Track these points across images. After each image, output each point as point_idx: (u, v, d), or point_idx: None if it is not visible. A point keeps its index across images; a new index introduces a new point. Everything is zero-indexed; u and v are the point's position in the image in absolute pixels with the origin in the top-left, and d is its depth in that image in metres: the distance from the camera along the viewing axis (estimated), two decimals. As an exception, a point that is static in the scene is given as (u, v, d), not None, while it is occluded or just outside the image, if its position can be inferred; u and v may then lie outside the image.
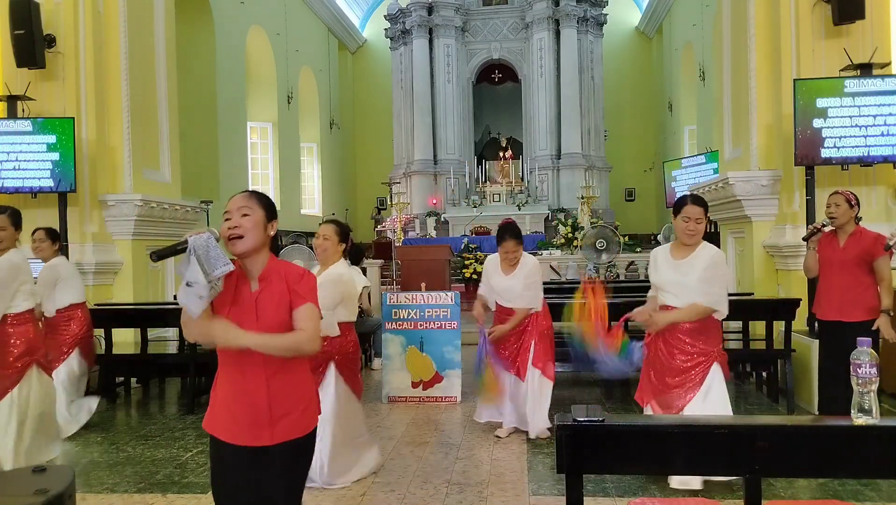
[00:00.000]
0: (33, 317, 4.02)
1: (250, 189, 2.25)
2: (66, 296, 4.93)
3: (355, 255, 4.78)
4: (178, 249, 1.87)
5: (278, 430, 2.04)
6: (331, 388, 3.74)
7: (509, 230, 4.55)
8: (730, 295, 3.56)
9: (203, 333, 1.95)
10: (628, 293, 6.84)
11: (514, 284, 4.51)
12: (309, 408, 2.13)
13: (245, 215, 2.02)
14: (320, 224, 3.97)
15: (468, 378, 6.22)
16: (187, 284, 1.86)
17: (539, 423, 4.47)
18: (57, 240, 4.93)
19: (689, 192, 4.12)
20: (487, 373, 4.61)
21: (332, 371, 3.77)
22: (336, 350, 3.78)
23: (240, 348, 1.97)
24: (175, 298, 7.30)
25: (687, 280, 3.38)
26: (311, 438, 2.13)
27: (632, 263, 11.57)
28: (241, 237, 2.00)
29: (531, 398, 4.47)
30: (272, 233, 2.10)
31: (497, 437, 4.59)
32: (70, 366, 4.95)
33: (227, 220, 2.03)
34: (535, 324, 4.55)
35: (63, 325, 4.96)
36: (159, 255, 1.90)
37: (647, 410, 3.57)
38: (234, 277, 2.00)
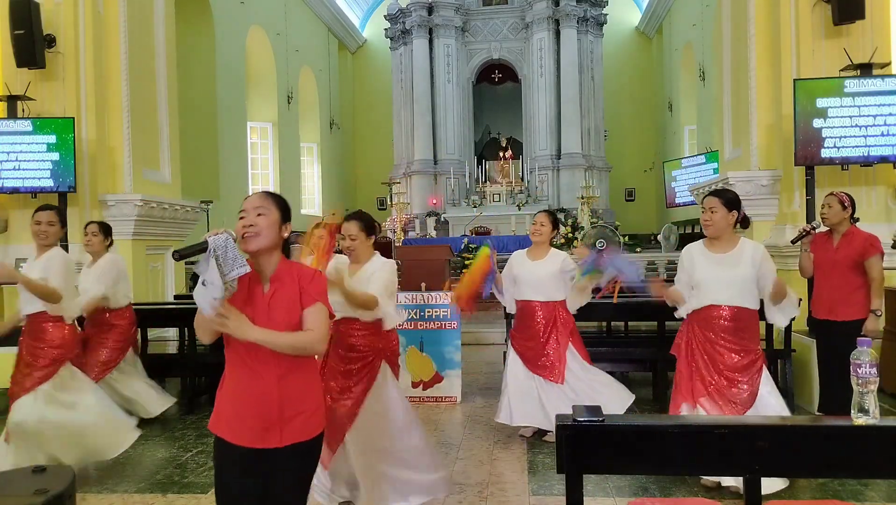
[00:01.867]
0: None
1: (267, 190, 2.25)
2: (122, 295, 4.92)
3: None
4: (198, 249, 1.88)
5: (288, 432, 2.03)
6: (392, 390, 3.31)
7: (546, 211, 4.58)
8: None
9: (217, 324, 1.93)
10: (628, 293, 6.86)
11: (545, 269, 4.31)
12: (318, 411, 2.12)
13: (260, 215, 2.03)
14: (342, 223, 3.45)
15: (468, 378, 6.22)
16: (203, 284, 1.87)
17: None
18: (109, 235, 4.90)
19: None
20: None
21: (386, 369, 3.32)
22: (387, 346, 3.34)
23: (249, 343, 1.96)
24: (175, 298, 7.32)
25: (733, 275, 3.32)
26: (318, 441, 2.12)
27: (632, 263, 11.56)
28: (255, 235, 2.01)
29: (567, 397, 4.23)
30: (286, 235, 2.11)
31: (521, 436, 4.53)
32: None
33: (241, 217, 2.04)
34: (564, 320, 4.37)
35: (118, 321, 4.89)
36: (181, 254, 1.90)
37: (685, 410, 3.42)
38: (247, 278, 2.01)
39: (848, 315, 4.07)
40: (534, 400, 4.33)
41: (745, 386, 3.37)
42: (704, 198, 3.44)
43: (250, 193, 13.62)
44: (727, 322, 3.35)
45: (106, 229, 4.91)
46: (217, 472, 2.10)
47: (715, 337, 3.38)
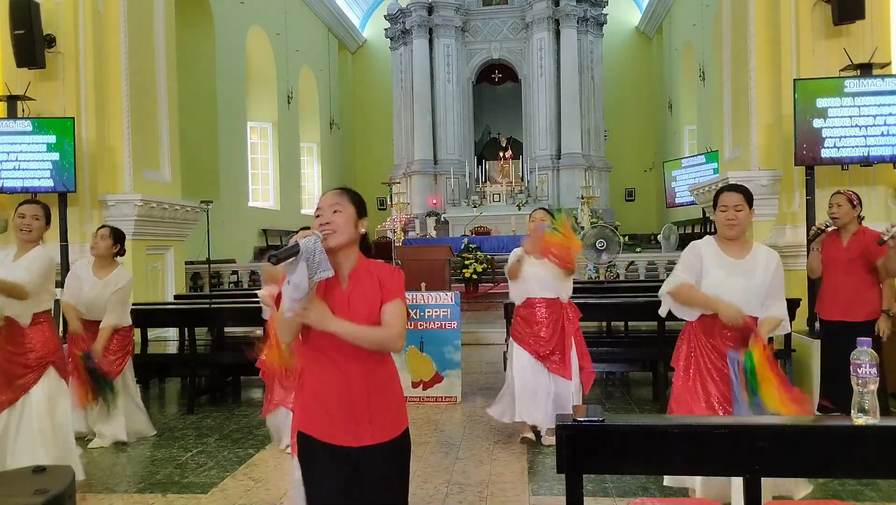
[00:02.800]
0: (51, 317, 3.74)
1: (342, 186, 2.23)
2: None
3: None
4: (293, 252, 1.85)
5: (379, 428, 2.01)
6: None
7: (543, 208, 4.59)
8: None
9: (299, 315, 1.91)
10: (628, 293, 6.87)
11: (550, 266, 4.28)
12: (403, 406, 2.13)
13: (336, 212, 2.03)
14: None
15: (468, 378, 6.22)
16: (288, 283, 1.85)
17: None
18: (119, 242, 4.61)
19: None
20: None
21: None
22: None
23: (334, 339, 1.95)
24: (175, 297, 7.32)
25: (752, 285, 2.96)
26: (408, 435, 2.11)
27: (632, 263, 11.56)
28: (333, 233, 2.00)
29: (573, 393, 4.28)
30: (363, 231, 2.10)
31: (524, 439, 4.47)
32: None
33: (317, 216, 2.04)
34: (571, 319, 4.39)
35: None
36: (278, 258, 1.84)
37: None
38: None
39: (864, 315, 4.03)
40: (539, 397, 4.32)
41: None
42: (722, 194, 3.01)
43: (250, 192, 13.43)
44: (734, 332, 2.99)
45: (118, 236, 4.62)
46: (309, 473, 2.03)
47: (721, 345, 3.03)
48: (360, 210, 2.10)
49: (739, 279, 2.96)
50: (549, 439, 4.37)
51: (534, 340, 4.35)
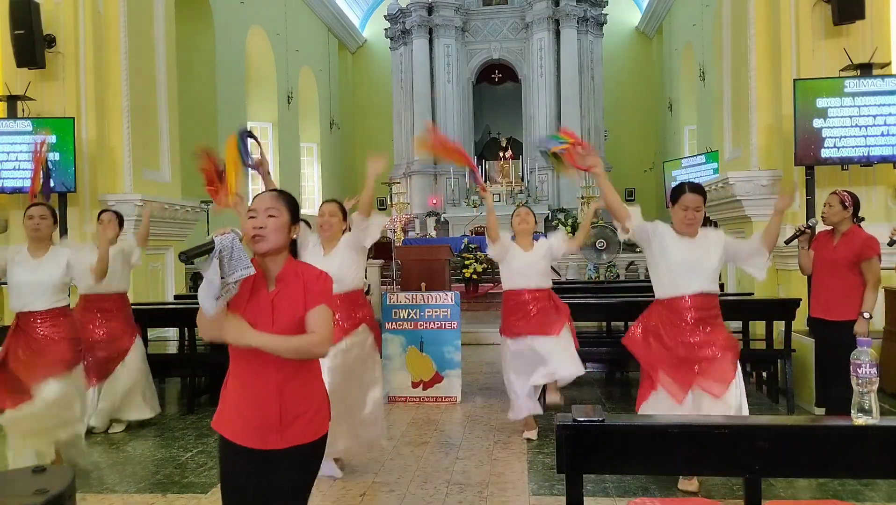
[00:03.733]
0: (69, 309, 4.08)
1: (278, 189, 2.22)
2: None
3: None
4: (206, 249, 1.85)
5: (288, 434, 2.01)
6: (368, 337, 3.98)
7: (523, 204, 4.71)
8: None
9: (216, 331, 1.94)
10: (628, 293, 6.86)
11: (536, 256, 4.47)
12: (320, 412, 2.10)
13: (271, 217, 2.01)
14: (322, 204, 4.02)
15: (468, 378, 6.22)
16: (204, 282, 1.85)
17: (571, 368, 4.34)
18: (122, 225, 4.87)
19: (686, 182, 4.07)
20: None
21: (364, 328, 3.96)
22: (368, 314, 4.02)
23: (251, 349, 1.95)
24: (175, 298, 7.32)
25: (708, 257, 3.33)
26: (321, 443, 2.10)
27: (632, 263, 11.57)
28: (265, 238, 1.99)
29: (562, 345, 4.37)
30: (294, 236, 2.10)
31: (528, 439, 4.51)
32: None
33: (251, 217, 2.01)
34: (559, 306, 4.50)
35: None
36: (188, 255, 1.86)
37: (656, 399, 3.39)
38: (251, 278, 1.99)
39: (842, 315, 4.09)
40: (537, 364, 4.37)
41: (716, 364, 3.31)
42: (685, 194, 3.33)
43: (250, 192, 13.48)
44: (691, 313, 3.34)
45: (121, 219, 4.87)
46: (222, 469, 2.10)
47: (682, 324, 3.35)
48: (294, 216, 2.09)
49: (697, 251, 3.35)
50: (553, 397, 4.43)
51: (524, 322, 4.40)
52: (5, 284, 3.89)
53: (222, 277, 1.86)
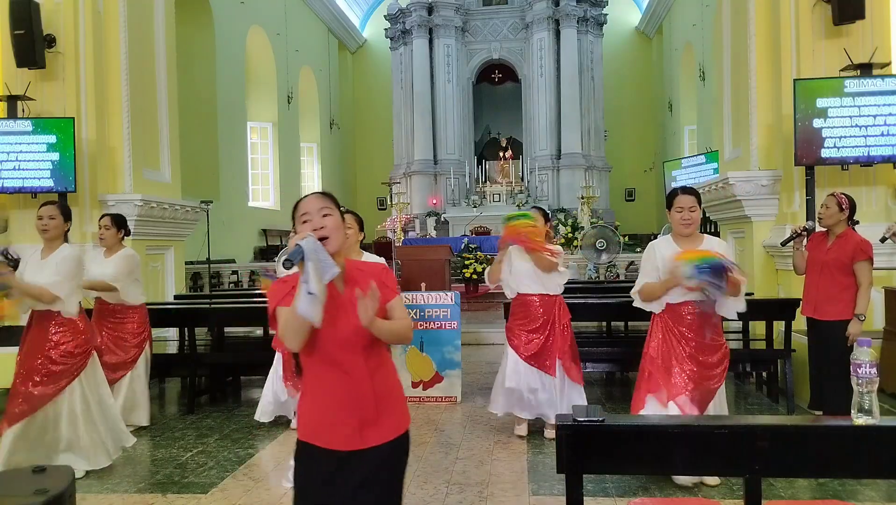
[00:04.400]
0: (82, 308, 4.04)
1: (323, 191, 2.19)
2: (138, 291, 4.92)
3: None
4: (300, 254, 1.78)
5: (384, 427, 1.99)
6: None
7: (536, 206, 4.72)
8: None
9: (304, 335, 1.86)
10: (628, 293, 6.85)
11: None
12: (404, 403, 2.11)
13: (326, 216, 1.97)
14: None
15: (468, 378, 6.22)
16: (309, 294, 1.76)
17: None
18: (122, 228, 4.82)
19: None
20: None
21: None
22: None
23: (339, 343, 1.93)
24: (175, 297, 7.32)
25: None
26: (408, 435, 2.09)
27: (632, 262, 11.56)
28: (326, 238, 1.94)
29: (556, 393, 4.37)
30: (349, 233, 2.10)
31: (519, 436, 4.54)
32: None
33: (305, 221, 1.97)
34: (560, 314, 4.47)
35: (130, 318, 4.92)
36: (292, 262, 1.78)
37: (653, 408, 3.46)
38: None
39: (831, 315, 4.15)
40: (527, 396, 4.42)
41: (718, 371, 3.47)
42: (678, 196, 3.44)
43: (250, 192, 13.39)
44: (688, 316, 3.45)
45: (119, 222, 4.82)
46: (305, 483, 1.98)
47: (684, 329, 3.46)
48: (342, 214, 2.09)
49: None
50: (550, 433, 4.45)
51: (525, 337, 4.42)
52: None
53: (320, 281, 1.79)
